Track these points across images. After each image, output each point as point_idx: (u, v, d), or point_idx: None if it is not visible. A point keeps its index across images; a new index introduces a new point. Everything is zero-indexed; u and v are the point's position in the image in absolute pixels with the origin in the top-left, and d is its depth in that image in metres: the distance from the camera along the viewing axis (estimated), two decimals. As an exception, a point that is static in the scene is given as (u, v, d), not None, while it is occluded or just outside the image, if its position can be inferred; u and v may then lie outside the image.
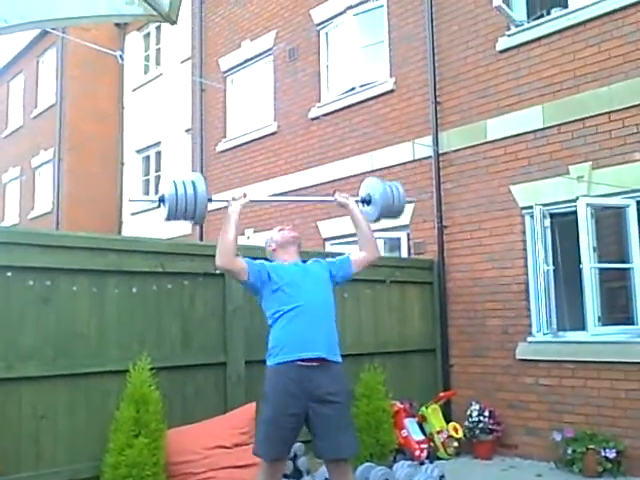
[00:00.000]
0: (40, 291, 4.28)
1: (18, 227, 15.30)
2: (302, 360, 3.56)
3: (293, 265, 3.88)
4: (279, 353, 3.63)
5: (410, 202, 4.58)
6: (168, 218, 3.71)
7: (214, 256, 5.14)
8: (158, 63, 14.78)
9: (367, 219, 4.17)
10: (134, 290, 4.73)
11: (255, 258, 4.09)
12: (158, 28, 14.77)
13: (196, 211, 3.67)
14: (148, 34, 15.22)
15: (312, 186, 8.50)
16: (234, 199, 3.83)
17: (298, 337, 3.61)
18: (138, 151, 15.07)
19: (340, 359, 3.75)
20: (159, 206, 3.75)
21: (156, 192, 14.49)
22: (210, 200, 3.78)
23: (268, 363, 3.70)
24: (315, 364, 3.58)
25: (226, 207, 3.89)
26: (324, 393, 3.55)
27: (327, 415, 3.55)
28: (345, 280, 4.12)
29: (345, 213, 4.25)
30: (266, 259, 4.12)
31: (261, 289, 3.79)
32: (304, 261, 4.00)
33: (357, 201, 4.22)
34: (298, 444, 4.78)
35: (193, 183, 3.68)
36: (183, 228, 11.57)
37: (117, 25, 15.49)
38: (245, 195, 3.89)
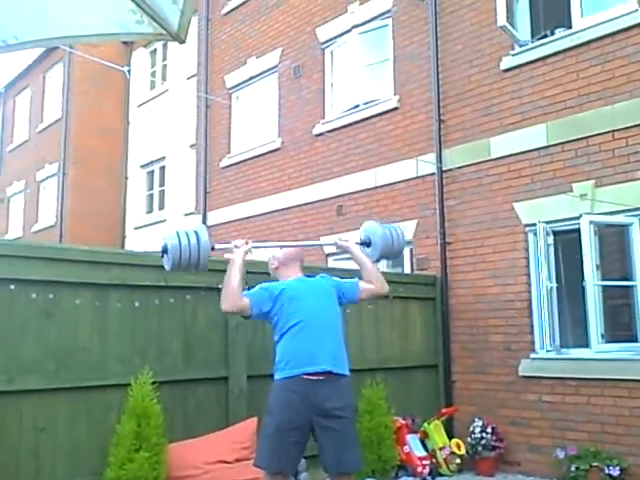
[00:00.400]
0: (43, 304, 4.30)
1: (22, 240, 15.34)
2: (307, 374, 3.56)
3: (296, 281, 3.88)
4: (285, 368, 3.63)
5: (409, 243, 4.72)
6: (172, 268, 3.72)
7: (217, 270, 5.17)
8: (164, 79, 14.88)
9: (370, 258, 4.18)
10: (136, 304, 4.74)
11: (257, 272, 4.10)
12: (165, 45, 14.88)
13: (200, 261, 3.67)
14: (155, 50, 15.34)
15: (316, 201, 8.54)
16: (237, 247, 3.86)
17: (303, 352, 3.61)
18: (142, 166, 15.13)
19: (347, 372, 3.74)
20: (162, 257, 3.75)
21: (160, 207, 14.46)
22: (213, 249, 3.79)
23: (275, 377, 3.70)
24: (321, 378, 3.57)
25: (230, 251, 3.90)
26: (330, 408, 3.54)
27: (332, 429, 3.54)
28: (350, 303, 4.13)
29: (349, 256, 4.29)
30: (268, 274, 4.13)
31: (267, 315, 3.81)
32: (309, 276, 4.00)
33: (357, 243, 4.26)
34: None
35: (196, 233, 3.69)
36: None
37: (124, 42, 15.60)
38: (247, 242, 3.91)
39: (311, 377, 3.55)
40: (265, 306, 3.75)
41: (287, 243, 4.08)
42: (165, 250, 3.67)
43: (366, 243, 4.27)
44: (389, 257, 4.44)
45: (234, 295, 3.72)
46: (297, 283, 3.86)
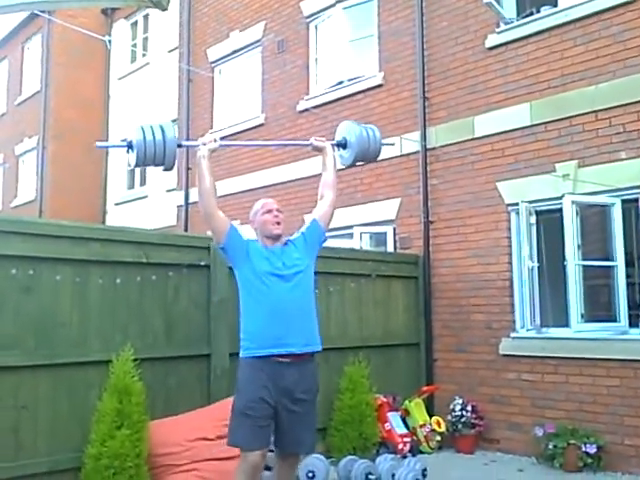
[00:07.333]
0: (22, 280, 4.23)
1: (0, 215, 15.14)
2: (275, 356, 3.52)
3: (272, 251, 3.70)
4: (251, 347, 3.58)
5: (386, 145, 4.47)
6: (137, 164, 3.65)
7: (200, 247, 5.14)
8: (145, 52, 14.65)
9: (336, 165, 4.11)
10: (118, 281, 4.68)
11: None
12: (146, 17, 14.64)
13: (165, 157, 3.60)
14: (135, 22, 15.07)
15: (299, 179, 8.48)
16: (204, 144, 3.75)
17: (271, 333, 3.54)
18: (123, 140, 14.90)
19: (319, 348, 3.69)
20: (128, 152, 3.68)
21: (141, 183, 14.31)
22: (180, 145, 3.72)
23: (241, 355, 3.64)
24: (288, 360, 3.53)
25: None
26: (295, 391, 3.54)
27: (295, 412, 3.55)
28: (323, 242, 3.95)
29: (319, 155, 4.19)
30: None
31: (235, 260, 3.70)
32: (285, 243, 3.81)
33: (333, 145, 4.15)
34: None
35: (161, 128, 3.61)
36: (168, 219, 11.51)
37: (104, 13, 15.34)
38: (216, 140, 3.82)
39: (279, 359, 3.51)
40: (239, 250, 3.64)
41: (259, 142, 3.94)
42: (130, 145, 3.60)
43: (342, 144, 4.17)
44: (364, 159, 4.29)
45: (209, 195, 3.63)
46: (275, 255, 3.68)
